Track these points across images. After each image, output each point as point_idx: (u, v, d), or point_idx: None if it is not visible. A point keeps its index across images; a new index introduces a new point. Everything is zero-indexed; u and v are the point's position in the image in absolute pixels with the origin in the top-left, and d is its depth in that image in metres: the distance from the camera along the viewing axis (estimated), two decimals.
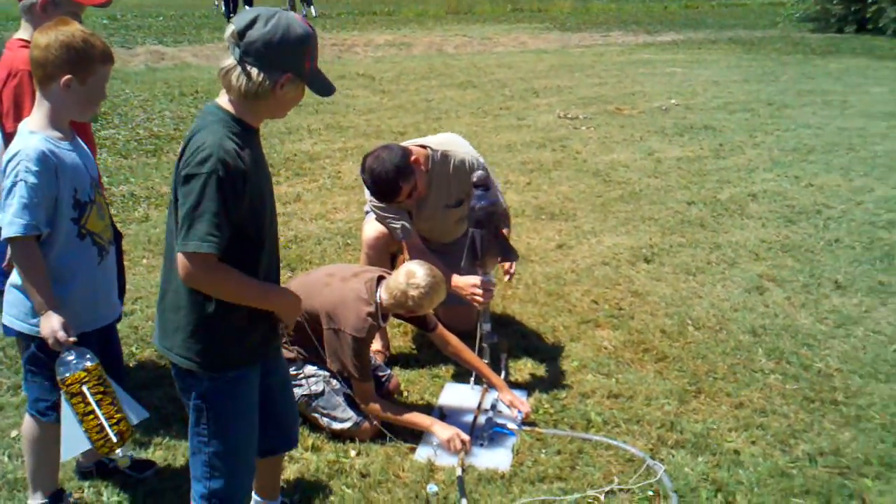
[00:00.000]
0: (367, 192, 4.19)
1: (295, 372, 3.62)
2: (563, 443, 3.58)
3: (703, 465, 3.43)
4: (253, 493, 2.89)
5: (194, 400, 2.44)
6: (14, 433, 3.54)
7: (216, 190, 2.18)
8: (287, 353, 3.62)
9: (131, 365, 4.22)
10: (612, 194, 7.33)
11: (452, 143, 4.34)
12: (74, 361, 2.46)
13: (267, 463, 2.80)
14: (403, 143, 4.22)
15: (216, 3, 29.74)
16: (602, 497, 3.22)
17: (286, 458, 3.43)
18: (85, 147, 2.84)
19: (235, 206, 2.24)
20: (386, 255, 4.23)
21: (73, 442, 2.48)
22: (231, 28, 2.24)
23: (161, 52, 17.17)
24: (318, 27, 23.89)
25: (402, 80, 14.12)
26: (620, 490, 3.27)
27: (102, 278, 2.84)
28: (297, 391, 3.59)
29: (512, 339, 4.52)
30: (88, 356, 2.49)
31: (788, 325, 4.71)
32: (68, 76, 2.63)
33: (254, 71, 2.23)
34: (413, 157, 4.00)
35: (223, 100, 2.33)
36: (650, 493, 3.26)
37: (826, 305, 5.00)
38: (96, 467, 3.27)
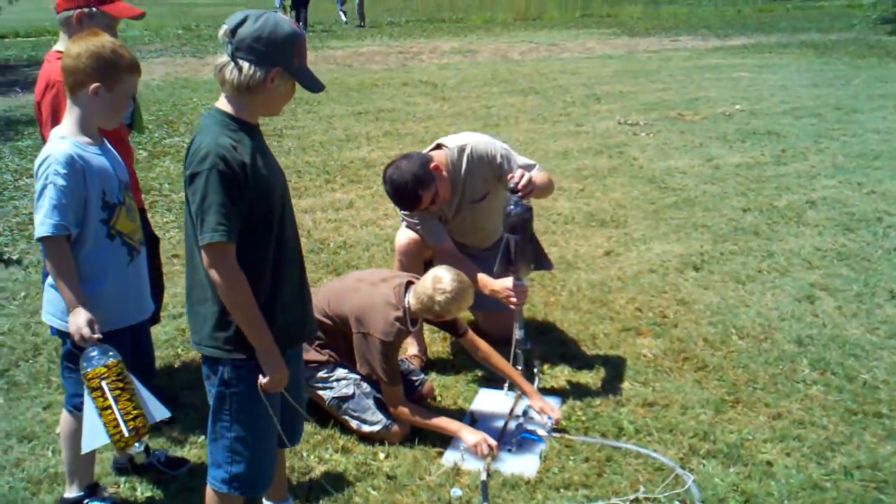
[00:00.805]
0: None
1: (326, 375, 3.69)
2: (593, 450, 3.56)
3: (734, 475, 3.38)
4: (263, 499, 2.98)
5: (218, 386, 2.54)
6: (59, 430, 3.68)
7: (219, 182, 2.32)
8: (319, 357, 3.70)
9: (176, 366, 4.35)
10: (666, 201, 7.25)
11: (469, 137, 4.32)
12: (96, 357, 2.57)
13: None
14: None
15: (276, 8, 30.53)
16: None
17: (315, 459, 3.52)
18: (114, 152, 2.98)
19: (241, 196, 2.36)
20: (419, 261, 4.25)
21: (93, 435, 2.58)
22: (224, 27, 2.38)
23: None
24: (385, 35, 24.25)
25: (464, 87, 14.19)
26: (646, 499, 3.24)
27: (133, 277, 2.96)
28: (329, 394, 3.67)
29: (550, 347, 4.51)
30: (111, 353, 2.59)
31: (837, 336, 4.60)
32: (97, 84, 2.77)
33: (245, 65, 2.36)
34: (433, 165, 4.02)
35: (221, 102, 2.46)
36: (677, 502, 3.22)
37: (879, 315, 4.87)
38: (131, 463, 3.38)
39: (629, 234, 6.41)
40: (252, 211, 2.41)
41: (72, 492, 3.12)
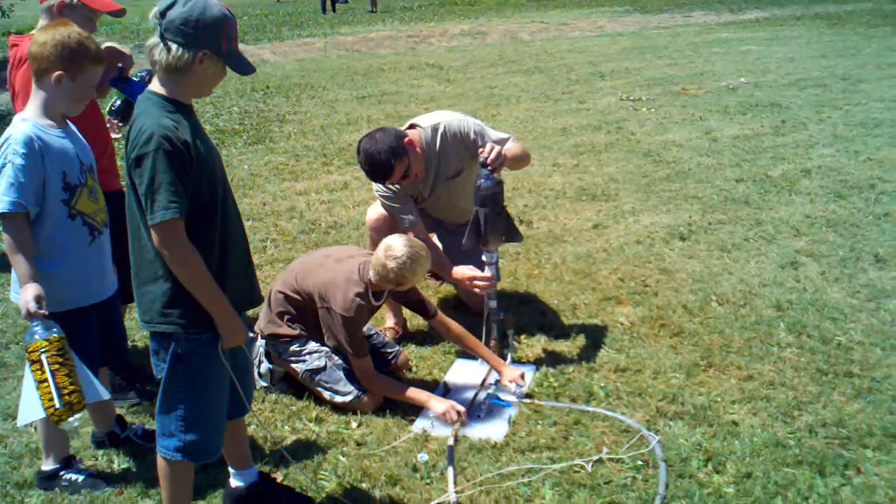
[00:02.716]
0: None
1: (298, 348, 3.77)
2: (561, 415, 3.62)
3: (699, 435, 3.42)
4: (229, 468, 3.07)
5: (170, 360, 2.59)
6: None
7: (166, 162, 2.38)
8: (290, 331, 3.78)
9: None
10: (659, 174, 7.25)
11: (442, 116, 4.37)
12: (39, 332, 2.62)
13: (228, 429, 2.91)
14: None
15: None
16: (588, 466, 3.25)
17: (289, 429, 3.60)
18: (79, 135, 3.07)
19: (186, 174, 2.43)
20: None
21: (30, 408, 2.62)
22: (155, 9, 2.44)
23: (241, 50, 17.66)
24: (396, 20, 24.22)
25: (470, 68, 14.19)
26: (610, 459, 3.30)
27: (95, 256, 3.05)
28: (301, 366, 3.75)
29: (529, 317, 4.56)
30: (55, 329, 2.64)
31: (816, 300, 4.61)
32: (60, 72, 2.86)
33: (173, 46, 2.42)
34: (407, 139, 4.08)
35: (155, 85, 2.52)
36: (640, 462, 3.27)
37: (861, 279, 4.87)
38: (108, 437, 3.48)
39: (619, 207, 6.42)
40: (197, 189, 2.48)
41: (48, 465, 3.23)
